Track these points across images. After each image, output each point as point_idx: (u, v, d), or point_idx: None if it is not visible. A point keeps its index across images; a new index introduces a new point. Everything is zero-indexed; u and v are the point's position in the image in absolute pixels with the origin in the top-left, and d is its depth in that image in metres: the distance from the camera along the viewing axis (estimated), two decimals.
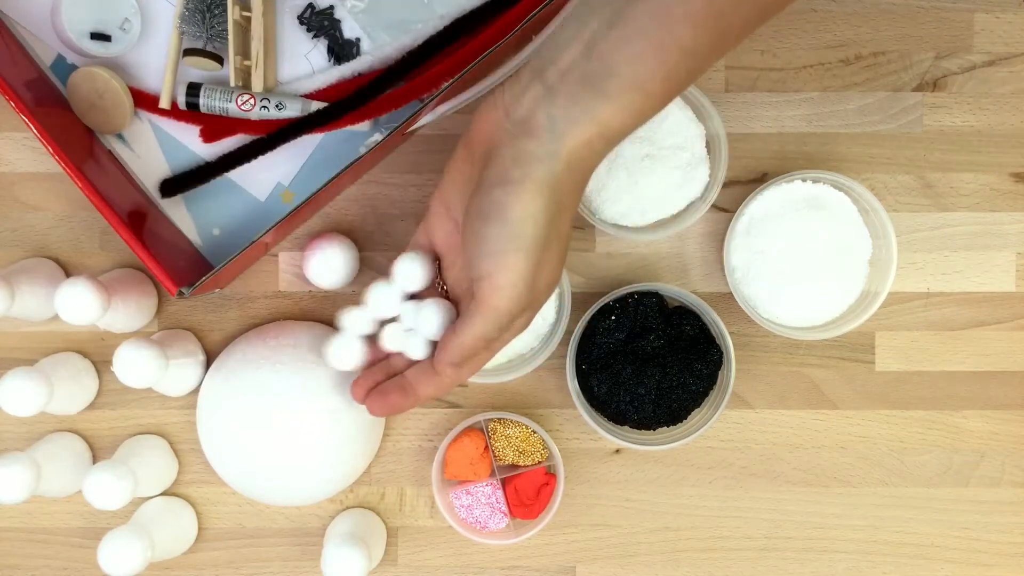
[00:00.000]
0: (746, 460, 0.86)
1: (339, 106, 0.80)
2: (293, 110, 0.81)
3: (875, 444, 0.86)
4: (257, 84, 0.80)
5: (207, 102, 0.81)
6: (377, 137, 0.83)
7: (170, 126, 0.83)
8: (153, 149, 0.83)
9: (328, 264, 0.80)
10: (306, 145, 0.83)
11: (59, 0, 0.79)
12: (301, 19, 0.82)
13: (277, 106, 0.81)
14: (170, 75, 0.81)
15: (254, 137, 0.82)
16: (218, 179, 0.83)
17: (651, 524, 0.86)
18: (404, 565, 0.86)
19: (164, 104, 0.81)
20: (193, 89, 0.81)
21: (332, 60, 0.82)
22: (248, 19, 0.79)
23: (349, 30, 0.82)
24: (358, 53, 0.82)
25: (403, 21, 0.82)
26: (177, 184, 0.83)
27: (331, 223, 0.85)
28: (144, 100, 0.82)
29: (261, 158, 0.82)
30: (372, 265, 0.85)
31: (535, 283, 0.62)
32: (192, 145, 0.83)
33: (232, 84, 0.80)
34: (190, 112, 0.82)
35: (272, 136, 0.81)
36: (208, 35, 0.80)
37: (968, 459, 0.86)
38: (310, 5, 0.82)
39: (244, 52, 0.80)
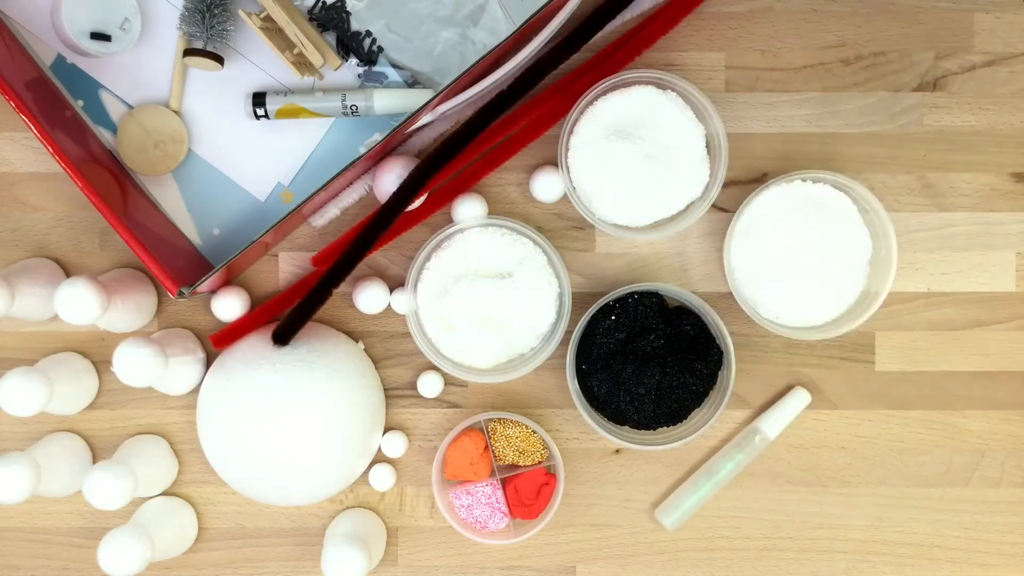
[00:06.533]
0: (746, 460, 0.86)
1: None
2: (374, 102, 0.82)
3: (875, 444, 0.86)
4: (316, 59, 0.80)
5: (271, 108, 0.82)
6: (377, 137, 0.83)
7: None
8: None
9: (400, 180, 0.79)
10: (306, 145, 0.83)
11: (59, 0, 0.79)
12: (312, 14, 0.82)
13: (352, 108, 0.82)
14: (178, 80, 0.82)
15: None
16: (218, 178, 0.83)
17: (651, 524, 0.86)
18: (404, 565, 0.86)
19: (175, 105, 0.82)
20: (259, 98, 0.81)
21: (341, 51, 0.82)
22: (269, 19, 0.79)
23: (356, 23, 0.82)
24: (366, 45, 0.82)
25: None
26: (288, 330, 0.80)
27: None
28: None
29: (261, 157, 0.82)
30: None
31: None
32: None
33: (298, 77, 0.80)
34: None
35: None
36: (208, 35, 0.79)
37: (968, 459, 0.86)
38: (321, 0, 0.82)
39: (285, 46, 0.80)
